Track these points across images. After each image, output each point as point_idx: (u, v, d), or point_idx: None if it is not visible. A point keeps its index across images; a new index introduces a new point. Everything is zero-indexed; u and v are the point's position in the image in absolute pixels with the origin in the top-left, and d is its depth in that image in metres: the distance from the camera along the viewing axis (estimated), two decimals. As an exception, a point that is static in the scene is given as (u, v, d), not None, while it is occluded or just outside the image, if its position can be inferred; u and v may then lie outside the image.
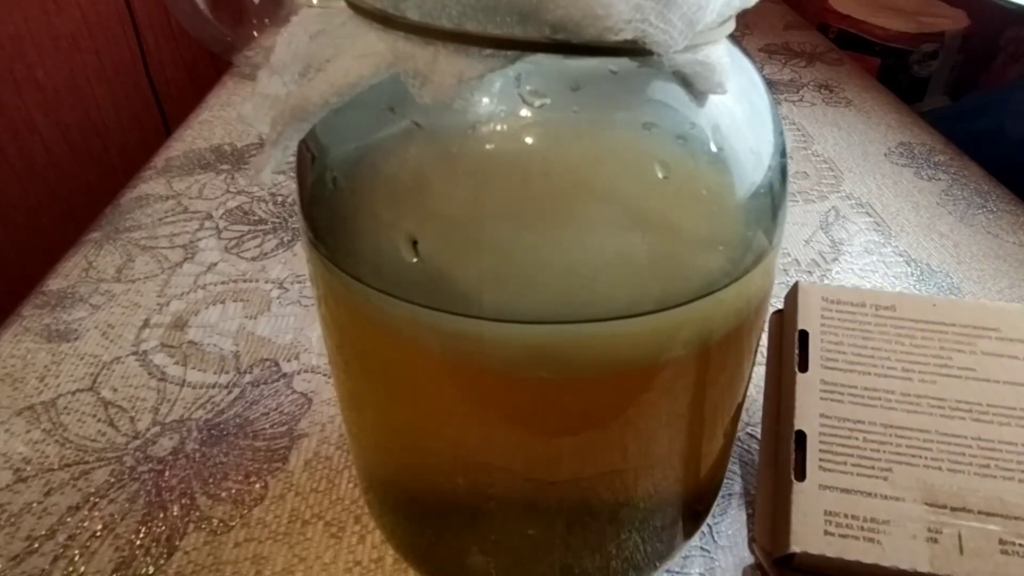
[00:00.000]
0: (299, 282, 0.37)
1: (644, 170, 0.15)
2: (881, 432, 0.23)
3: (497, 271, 0.15)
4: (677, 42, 0.13)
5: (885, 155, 0.52)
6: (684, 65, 0.14)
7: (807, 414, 0.24)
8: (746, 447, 0.29)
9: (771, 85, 0.62)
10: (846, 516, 0.22)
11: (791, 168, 0.49)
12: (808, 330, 0.26)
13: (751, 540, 0.25)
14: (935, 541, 0.21)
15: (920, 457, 0.23)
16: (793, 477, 0.23)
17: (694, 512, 0.22)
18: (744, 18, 0.16)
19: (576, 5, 0.12)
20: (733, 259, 0.16)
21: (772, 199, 0.17)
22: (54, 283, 0.37)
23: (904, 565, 0.21)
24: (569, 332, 0.15)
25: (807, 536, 0.21)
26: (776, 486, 0.24)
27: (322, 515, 0.25)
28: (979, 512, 0.21)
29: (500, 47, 0.13)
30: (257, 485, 0.26)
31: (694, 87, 0.15)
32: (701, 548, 0.25)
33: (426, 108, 0.14)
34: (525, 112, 0.14)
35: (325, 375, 0.31)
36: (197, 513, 0.25)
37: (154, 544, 0.24)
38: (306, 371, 0.32)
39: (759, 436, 0.29)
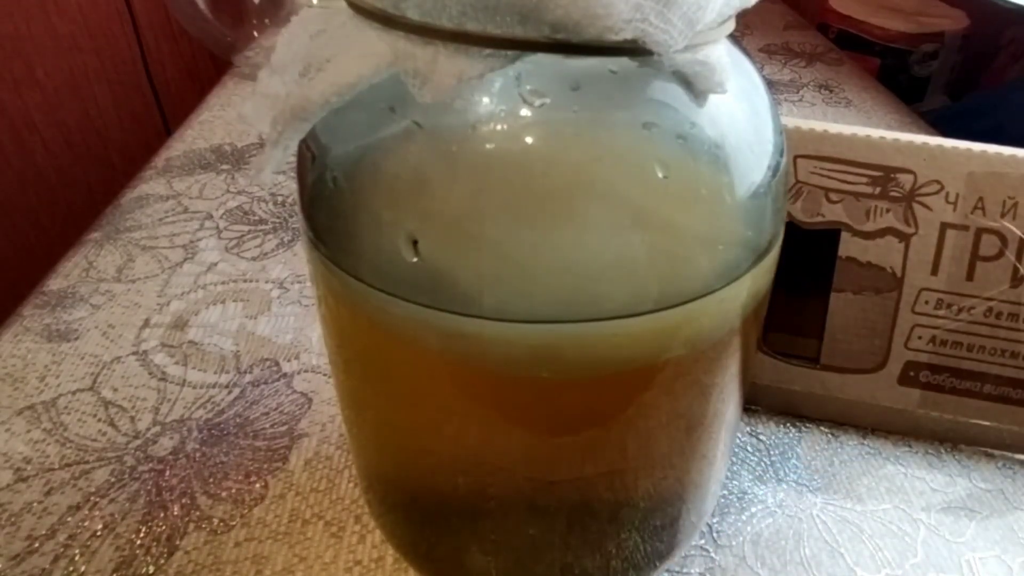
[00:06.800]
0: (299, 282, 0.37)
1: (644, 170, 0.15)
2: None
3: (497, 270, 0.15)
4: (677, 42, 0.13)
5: (885, 155, 0.51)
6: (684, 65, 0.14)
7: None
8: (747, 446, 0.29)
9: (771, 85, 0.62)
10: None
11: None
12: None
13: None
14: None
15: None
16: None
17: (694, 512, 0.22)
18: (744, 18, 0.16)
19: (576, 5, 0.12)
20: (733, 259, 0.16)
21: (772, 199, 0.17)
22: (54, 283, 0.37)
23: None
24: (569, 332, 0.15)
25: None
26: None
27: (322, 515, 0.25)
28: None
29: (500, 47, 0.13)
30: (257, 485, 0.26)
31: (694, 87, 0.15)
32: (701, 548, 0.25)
33: (426, 108, 0.14)
34: (525, 112, 0.14)
35: (325, 375, 0.31)
36: (197, 513, 0.25)
37: (154, 544, 0.24)
38: (306, 371, 0.32)
39: (758, 436, 0.29)
